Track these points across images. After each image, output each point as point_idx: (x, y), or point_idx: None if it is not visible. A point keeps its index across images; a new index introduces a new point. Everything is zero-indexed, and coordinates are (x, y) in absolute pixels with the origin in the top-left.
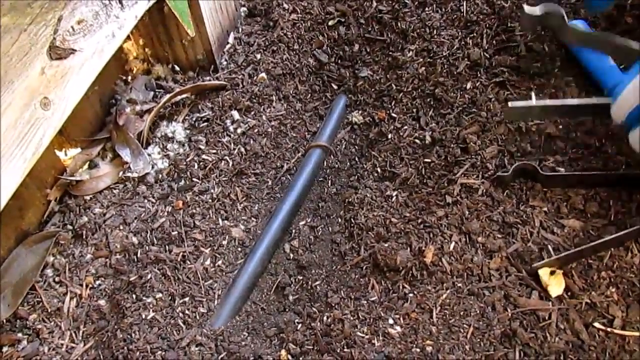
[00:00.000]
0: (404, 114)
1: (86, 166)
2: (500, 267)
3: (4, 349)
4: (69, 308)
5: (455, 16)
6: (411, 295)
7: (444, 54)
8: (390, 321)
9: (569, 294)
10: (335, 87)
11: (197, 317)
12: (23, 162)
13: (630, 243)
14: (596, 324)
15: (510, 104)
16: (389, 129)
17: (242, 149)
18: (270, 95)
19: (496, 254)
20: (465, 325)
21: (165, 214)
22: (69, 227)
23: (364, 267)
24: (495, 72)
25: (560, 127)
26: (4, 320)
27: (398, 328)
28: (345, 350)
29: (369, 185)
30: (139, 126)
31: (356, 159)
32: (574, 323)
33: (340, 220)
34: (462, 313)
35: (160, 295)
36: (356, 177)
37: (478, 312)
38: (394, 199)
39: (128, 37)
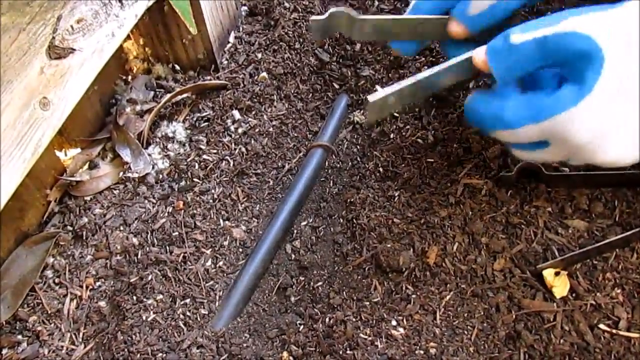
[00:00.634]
0: (406, 114)
1: (86, 166)
2: (504, 268)
3: (4, 351)
4: (69, 310)
5: None
6: (414, 296)
7: None
8: (393, 323)
9: (574, 295)
10: (336, 86)
11: (198, 318)
12: (22, 163)
13: (636, 244)
14: (601, 326)
15: (370, 97)
16: (391, 129)
17: (243, 149)
18: (271, 95)
19: (500, 254)
20: (469, 327)
21: (166, 214)
22: (69, 228)
23: (367, 268)
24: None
25: None
26: (4, 322)
27: (401, 330)
28: (348, 352)
29: (371, 185)
30: (139, 126)
31: (358, 158)
32: (578, 325)
33: (342, 220)
34: (466, 314)
35: (160, 296)
36: (358, 177)
37: (482, 313)
38: (396, 199)
39: (128, 37)
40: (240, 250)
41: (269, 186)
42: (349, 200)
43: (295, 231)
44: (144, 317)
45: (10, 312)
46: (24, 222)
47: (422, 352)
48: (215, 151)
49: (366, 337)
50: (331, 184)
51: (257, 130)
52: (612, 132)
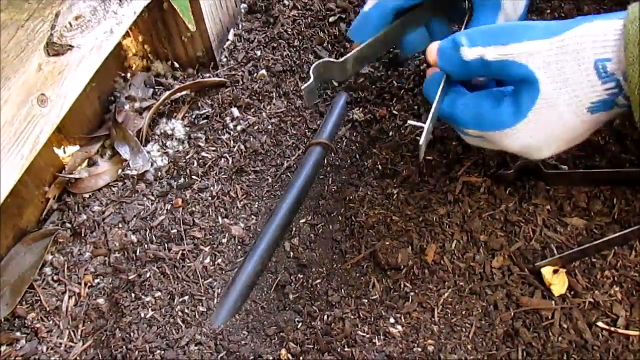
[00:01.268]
0: (405, 112)
1: (85, 164)
2: (503, 266)
3: (3, 349)
4: (68, 307)
5: None
6: (413, 294)
7: None
8: (392, 320)
9: (572, 293)
10: (336, 84)
11: (197, 316)
12: (20, 160)
13: (635, 242)
14: (600, 324)
15: (421, 141)
16: (390, 127)
17: (242, 147)
18: (270, 93)
19: (498, 252)
20: (467, 325)
21: (165, 212)
22: (68, 225)
23: (365, 266)
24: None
25: None
26: (3, 320)
27: (399, 327)
28: (346, 349)
29: (370, 183)
30: (138, 124)
31: (357, 156)
32: (577, 323)
33: (341, 218)
34: (464, 312)
35: (159, 294)
36: (357, 175)
37: (480, 311)
38: (395, 197)
39: (127, 34)
40: (239, 248)
41: (268, 184)
42: (348, 198)
43: (294, 229)
44: (142, 315)
45: (9, 309)
46: (23, 220)
47: (420, 349)
48: (214, 149)
49: (364, 334)
50: (330, 182)
51: (256, 127)
52: (539, 146)
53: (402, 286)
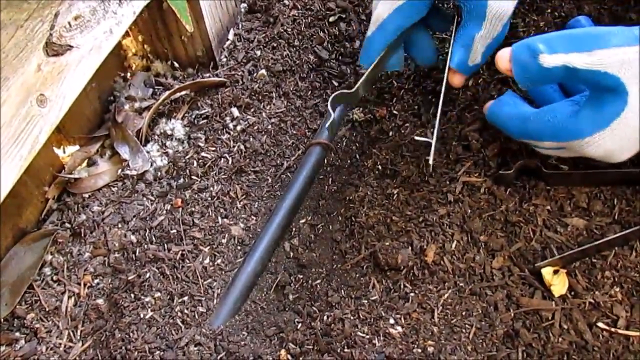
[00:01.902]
0: (405, 111)
1: (84, 164)
2: (503, 267)
3: (2, 349)
4: (67, 307)
5: None
6: (412, 294)
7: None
8: (391, 321)
9: (573, 293)
10: (336, 83)
11: (196, 316)
12: (19, 160)
13: (635, 242)
14: (600, 324)
15: (429, 160)
16: (390, 126)
17: (242, 147)
18: (270, 92)
19: (498, 253)
20: (467, 326)
21: (164, 212)
22: (67, 225)
23: (365, 266)
24: (499, 70)
25: None
26: (2, 320)
27: (399, 328)
28: (346, 350)
29: (370, 183)
30: (137, 123)
31: (357, 156)
32: (577, 323)
33: (340, 218)
34: (464, 313)
35: (158, 294)
36: (357, 174)
37: (480, 312)
38: (395, 197)
39: (127, 34)
40: (239, 248)
41: (268, 184)
42: (347, 198)
43: (293, 229)
44: (141, 315)
45: (8, 309)
46: (22, 220)
47: (419, 350)
48: (213, 149)
49: (364, 335)
50: (330, 181)
51: (255, 127)
52: (621, 151)
53: (402, 286)
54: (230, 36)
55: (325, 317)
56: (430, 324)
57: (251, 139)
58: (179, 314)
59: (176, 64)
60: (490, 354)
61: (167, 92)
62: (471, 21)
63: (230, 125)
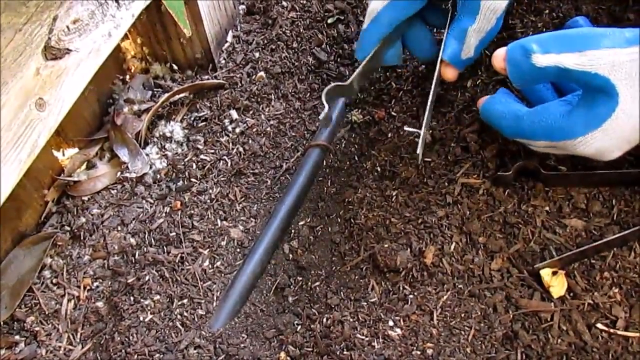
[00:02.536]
0: (403, 113)
1: (84, 166)
2: (502, 268)
3: (2, 352)
4: (67, 310)
5: None
6: (411, 296)
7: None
8: (391, 323)
9: (571, 294)
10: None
11: (196, 319)
12: (19, 163)
13: (634, 243)
14: (599, 325)
15: (418, 151)
16: (388, 128)
17: (241, 149)
18: (269, 94)
19: (497, 254)
20: (466, 327)
21: (164, 214)
22: (67, 228)
23: (364, 268)
24: (496, 70)
25: None
26: (2, 323)
27: (398, 330)
28: (345, 352)
29: (369, 184)
30: (137, 126)
31: (356, 158)
32: (576, 324)
33: (339, 220)
34: (463, 315)
35: (158, 297)
36: (356, 176)
37: (479, 313)
38: (393, 198)
39: (126, 36)
40: (238, 250)
41: (267, 186)
42: (346, 199)
43: (292, 231)
44: (141, 318)
45: (8, 312)
46: (22, 223)
47: (418, 352)
48: (212, 151)
49: (363, 337)
50: (329, 183)
51: (254, 129)
52: (611, 149)
53: (401, 288)
54: (229, 38)
55: (324, 319)
56: (430, 326)
57: (250, 141)
58: (179, 316)
59: (175, 67)
60: (489, 356)
61: (166, 95)
62: (465, 14)
63: (229, 128)
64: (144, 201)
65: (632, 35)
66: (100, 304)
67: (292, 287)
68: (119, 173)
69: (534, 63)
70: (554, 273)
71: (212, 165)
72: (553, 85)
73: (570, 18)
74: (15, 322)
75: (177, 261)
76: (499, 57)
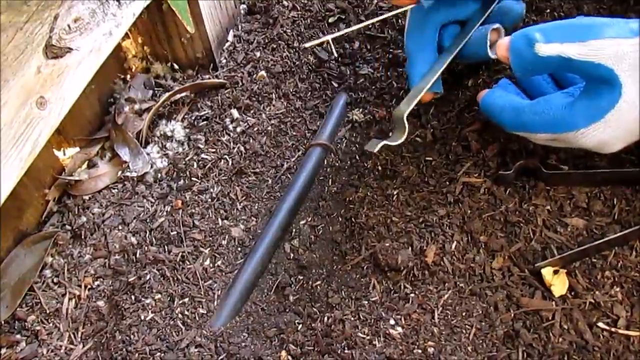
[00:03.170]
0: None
1: (85, 166)
2: (503, 267)
3: (3, 351)
4: (68, 309)
5: None
6: (412, 295)
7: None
8: (392, 322)
9: (573, 293)
10: (335, 84)
11: (197, 318)
12: (19, 162)
13: (635, 242)
14: (600, 324)
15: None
16: (389, 127)
17: (242, 148)
18: (270, 94)
19: (498, 253)
20: (467, 326)
21: (165, 213)
22: (68, 227)
23: (365, 267)
24: (496, 69)
25: None
26: (3, 322)
27: (399, 329)
28: (346, 351)
29: (370, 184)
30: (137, 125)
31: (357, 157)
32: (577, 323)
33: (340, 219)
34: (464, 313)
35: (159, 296)
36: (357, 175)
37: (480, 312)
38: (395, 197)
39: (126, 35)
40: (239, 249)
41: (268, 185)
42: (347, 199)
43: (294, 230)
44: (142, 317)
45: (9, 311)
46: (23, 222)
47: (420, 351)
48: (213, 150)
49: (364, 336)
50: (330, 182)
51: (255, 129)
52: (614, 142)
53: (402, 287)
54: (230, 37)
55: (325, 318)
56: (431, 324)
57: (251, 140)
58: (180, 315)
59: (176, 66)
60: (490, 355)
61: (167, 94)
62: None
63: (230, 127)
64: (144, 200)
65: (636, 25)
66: (101, 303)
67: (293, 286)
68: (119, 172)
69: (537, 52)
70: (555, 272)
71: (213, 165)
72: (553, 80)
73: (571, 17)
74: (16, 321)
75: (178, 260)
76: (503, 47)
